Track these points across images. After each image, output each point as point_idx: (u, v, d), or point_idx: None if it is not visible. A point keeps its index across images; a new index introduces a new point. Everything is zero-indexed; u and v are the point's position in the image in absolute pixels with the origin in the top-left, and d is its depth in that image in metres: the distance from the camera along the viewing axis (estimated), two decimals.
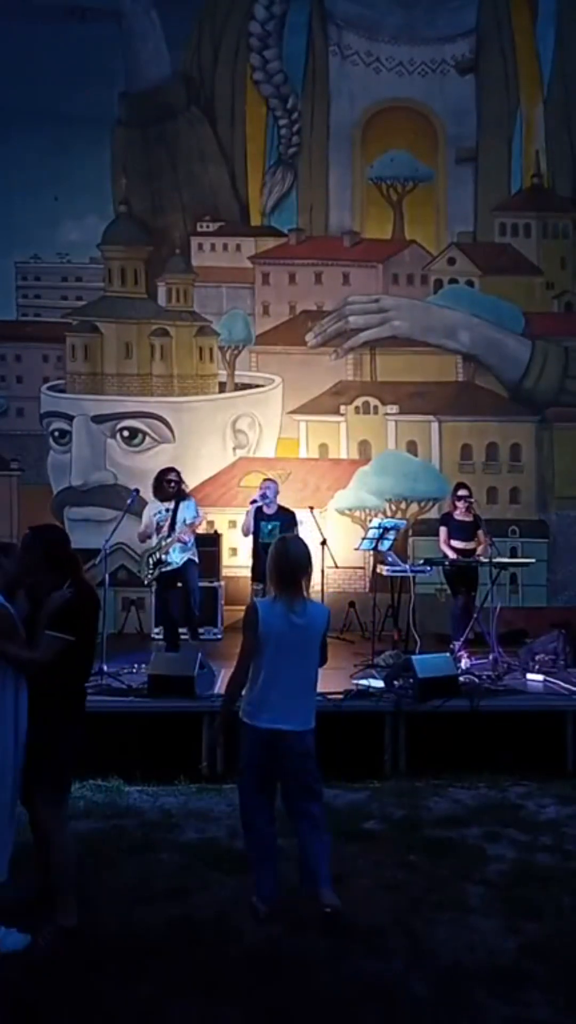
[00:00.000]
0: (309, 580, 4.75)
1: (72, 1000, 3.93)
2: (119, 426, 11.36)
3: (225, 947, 4.38)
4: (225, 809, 6.21)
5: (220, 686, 7.59)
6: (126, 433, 11.37)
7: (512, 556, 10.51)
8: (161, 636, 9.52)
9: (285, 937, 4.46)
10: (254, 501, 9.31)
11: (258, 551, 9.14)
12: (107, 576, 8.60)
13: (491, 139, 11.70)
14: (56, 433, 11.38)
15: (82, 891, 4.64)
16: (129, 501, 8.95)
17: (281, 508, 9.37)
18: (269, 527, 9.12)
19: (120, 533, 8.88)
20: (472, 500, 9.43)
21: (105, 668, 7.76)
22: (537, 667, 8.38)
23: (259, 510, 9.25)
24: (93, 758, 6.48)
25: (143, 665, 7.85)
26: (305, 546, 4.82)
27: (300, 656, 4.68)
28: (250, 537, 9.44)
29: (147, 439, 11.35)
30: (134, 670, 7.98)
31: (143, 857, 5.38)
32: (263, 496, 9.27)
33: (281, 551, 4.73)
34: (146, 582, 9.00)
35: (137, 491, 9.09)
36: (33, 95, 11.03)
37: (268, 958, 4.26)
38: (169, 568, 8.58)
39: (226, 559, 11.02)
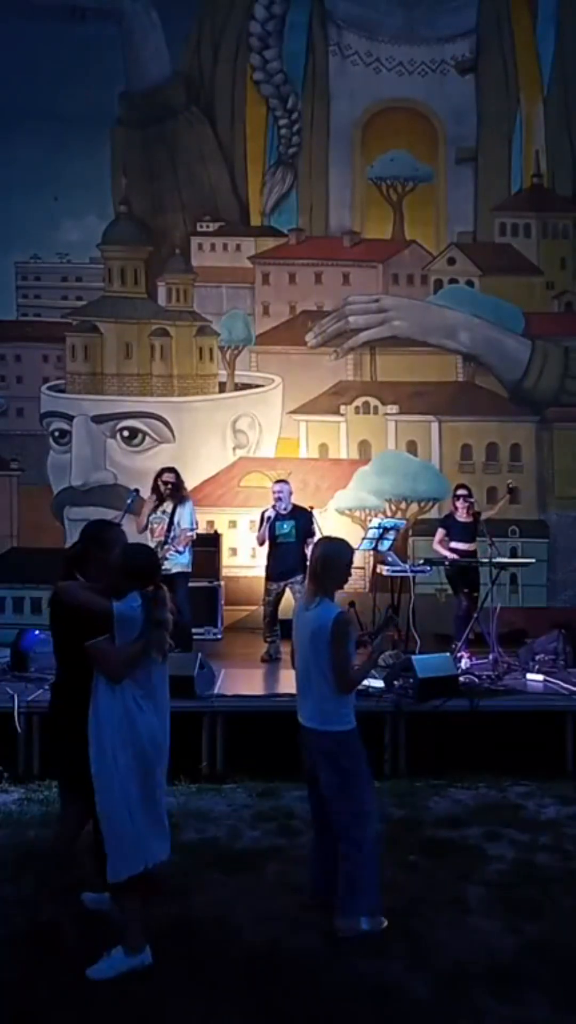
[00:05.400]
0: (331, 581, 4.72)
1: (72, 1000, 3.93)
2: (119, 426, 11.35)
3: (225, 947, 4.38)
4: (225, 809, 6.22)
5: (220, 686, 7.62)
6: (126, 433, 11.36)
7: (512, 556, 10.51)
8: None
9: (285, 937, 4.46)
10: (268, 516, 9.05)
11: (273, 551, 9.06)
12: None
13: (491, 139, 11.68)
14: (56, 433, 11.37)
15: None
16: (129, 501, 8.95)
17: (296, 507, 9.15)
18: (285, 526, 8.97)
19: None
20: (472, 500, 9.45)
21: None
22: (537, 667, 8.39)
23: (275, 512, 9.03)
24: None
25: None
26: (336, 547, 4.79)
27: (305, 652, 4.69)
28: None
29: (147, 439, 11.34)
30: None
31: None
32: (276, 503, 9.02)
33: (313, 549, 4.92)
34: None
35: (137, 491, 9.09)
36: (33, 95, 11.02)
37: (268, 958, 4.26)
38: (165, 573, 8.58)
39: (226, 559, 11.00)
